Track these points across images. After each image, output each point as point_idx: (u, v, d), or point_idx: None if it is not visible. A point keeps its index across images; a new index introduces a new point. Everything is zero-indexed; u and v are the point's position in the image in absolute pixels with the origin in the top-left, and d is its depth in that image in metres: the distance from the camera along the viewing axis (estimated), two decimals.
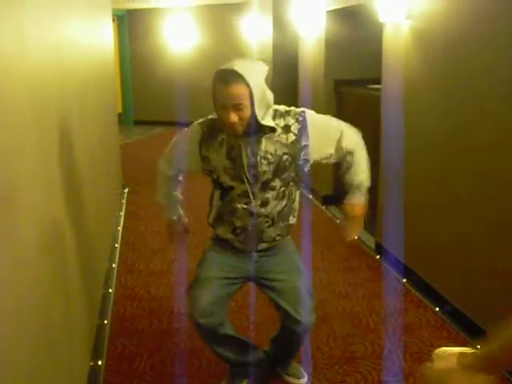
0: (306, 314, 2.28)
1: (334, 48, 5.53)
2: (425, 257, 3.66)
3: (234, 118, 1.95)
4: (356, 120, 2.43)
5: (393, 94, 3.94)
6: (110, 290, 3.63)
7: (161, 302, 3.52)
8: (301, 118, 2.10)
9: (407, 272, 3.81)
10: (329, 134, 2.17)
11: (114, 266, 4.06)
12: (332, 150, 2.18)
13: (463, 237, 3.19)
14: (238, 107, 1.93)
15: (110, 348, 2.96)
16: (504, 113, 2.74)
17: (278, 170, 2.10)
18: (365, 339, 3.03)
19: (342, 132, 2.17)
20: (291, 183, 2.18)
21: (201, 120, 2.21)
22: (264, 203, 2.15)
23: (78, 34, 3.01)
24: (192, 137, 2.19)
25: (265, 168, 2.08)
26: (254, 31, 9.42)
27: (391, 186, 3.98)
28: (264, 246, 2.27)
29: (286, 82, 7.39)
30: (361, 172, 2.23)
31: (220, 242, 2.34)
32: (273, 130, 2.04)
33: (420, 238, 3.69)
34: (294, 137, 2.08)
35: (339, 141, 2.17)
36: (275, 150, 2.07)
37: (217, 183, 2.22)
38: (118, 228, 4.99)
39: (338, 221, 5.10)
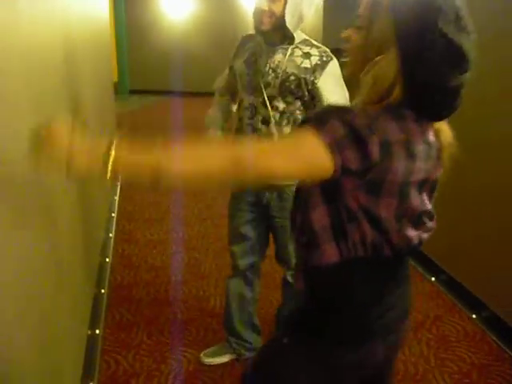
0: (290, 256, 2.34)
1: (332, 15, 5.44)
2: (456, 252, 3.24)
3: (264, 6, 2.07)
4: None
5: None
6: (107, 259, 3.63)
7: (158, 272, 3.53)
8: (324, 58, 2.12)
9: (436, 270, 3.42)
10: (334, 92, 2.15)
11: (110, 235, 4.06)
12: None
13: (502, 229, 2.82)
14: None
15: (107, 317, 2.98)
16: None
17: (283, 87, 2.12)
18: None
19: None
20: (297, 112, 2.17)
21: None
22: (265, 121, 2.18)
23: (71, 2, 2.95)
24: (231, 55, 2.36)
25: (270, 80, 2.13)
26: None
27: None
28: None
29: None
30: None
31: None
32: (292, 39, 2.12)
33: (450, 230, 3.01)
34: (308, 65, 2.11)
35: None
36: (286, 67, 2.11)
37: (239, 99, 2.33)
38: (115, 197, 4.98)
39: None
